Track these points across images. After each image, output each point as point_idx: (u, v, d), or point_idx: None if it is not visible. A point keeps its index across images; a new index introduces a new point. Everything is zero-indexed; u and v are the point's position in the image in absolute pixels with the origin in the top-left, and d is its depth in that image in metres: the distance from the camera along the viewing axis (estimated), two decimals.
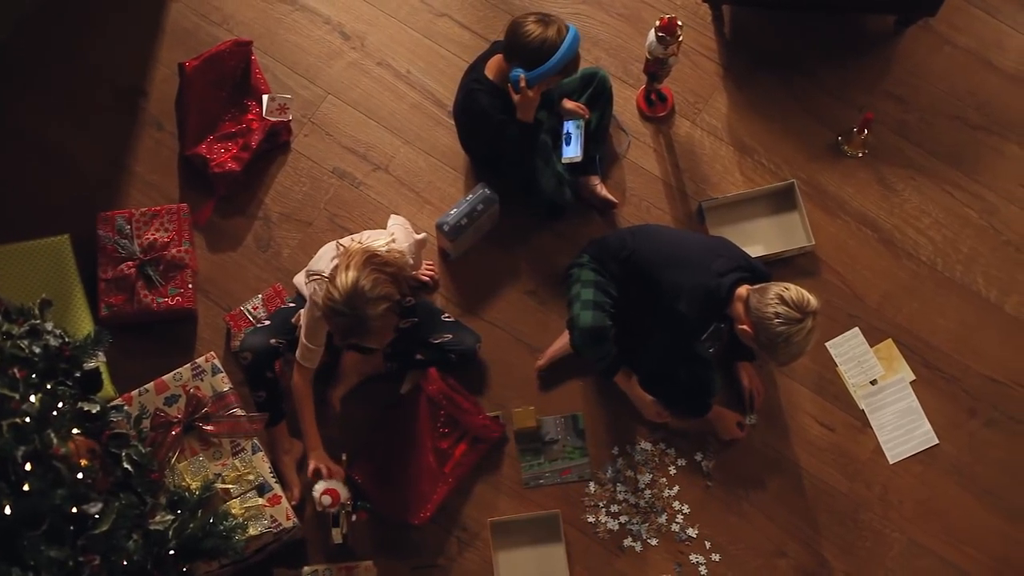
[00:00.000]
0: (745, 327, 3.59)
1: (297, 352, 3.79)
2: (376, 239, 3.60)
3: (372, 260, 3.44)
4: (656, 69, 4.11)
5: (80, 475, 3.18)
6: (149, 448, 3.53)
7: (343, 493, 3.80)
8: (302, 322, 3.74)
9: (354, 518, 3.88)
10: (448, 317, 4.07)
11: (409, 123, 4.34)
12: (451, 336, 4.00)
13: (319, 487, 3.79)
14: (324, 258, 3.67)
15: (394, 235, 3.68)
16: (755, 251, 4.16)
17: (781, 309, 3.49)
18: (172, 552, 3.43)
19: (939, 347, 4.19)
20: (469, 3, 4.45)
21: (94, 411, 3.40)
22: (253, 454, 3.83)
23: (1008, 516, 4.06)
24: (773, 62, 4.44)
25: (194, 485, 3.74)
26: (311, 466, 3.83)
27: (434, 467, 3.97)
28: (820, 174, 4.33)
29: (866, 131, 4.29)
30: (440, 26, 4.43)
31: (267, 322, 3.95)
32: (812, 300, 3.52)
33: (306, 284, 3.68)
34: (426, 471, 3.96)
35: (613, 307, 3.88)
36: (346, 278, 3.38)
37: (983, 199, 4.33)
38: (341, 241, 3.66)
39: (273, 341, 3.87)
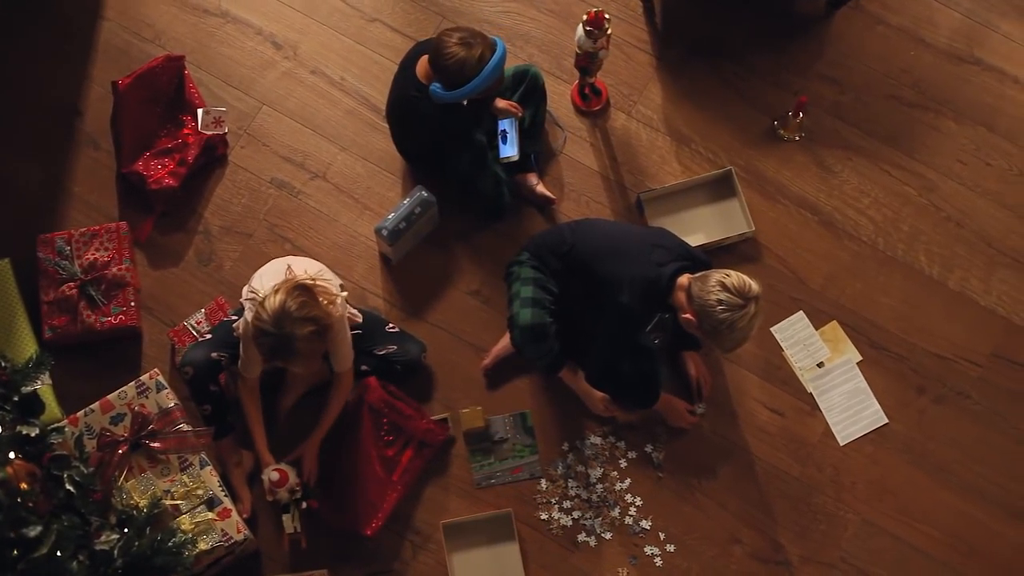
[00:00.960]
0: (689, 316, 3.59)
1: (239, 368, 3.80)
2: (323, 276, 3.72)
3: (303, 286, 3.52)
4: (587, 63, 4.10)
5: (20, 499, 3.19)
6: (92, 468, 3.53)
7: (292, 476, 3.80)
8: (242, 339, 3.73)
9: (304, 506, 3.86)
10: (392, 327, 4.06)
11: (345, 129, 4.33)
12: (396, 347, 4.00)
13: (269, 469, 3.81)
14: (267, 277, 3.70)
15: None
16: (696, 240, 4.17)
17: (723, 296, 3.49)
18: (120, 571, 3.43)
19: (884, 326, 4.20)
20: (400, 6, 4.45)
21: (33, 434, 3.41)
22: (201, 468, 3.83)
23: (961, 492, 4.07)
24: (706, 50, 4.44)
25: (142, 503, 3.73)
26: (266, 474, 3.82)
27: (381, 476, 3.96)
28: (758, 160, 4.33)
29: (801, 114, 4.29)
30: (372, 31, 4.42)
31: (208, 336, 3.94)
32: (754, 285, 3.52)
33: (243, 301, 3.69)
34: (373, 481, 3.95)
35: (553, 303, 3.88)
36: (275, 300, 3.46)
37: (922, 177, 4.34)
38: (292, 265, 3.70)
39: (214, 355, 3.86)
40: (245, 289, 3.86)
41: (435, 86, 3.83)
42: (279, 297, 3.46)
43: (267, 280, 3.68)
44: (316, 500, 3.88)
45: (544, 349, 3.87)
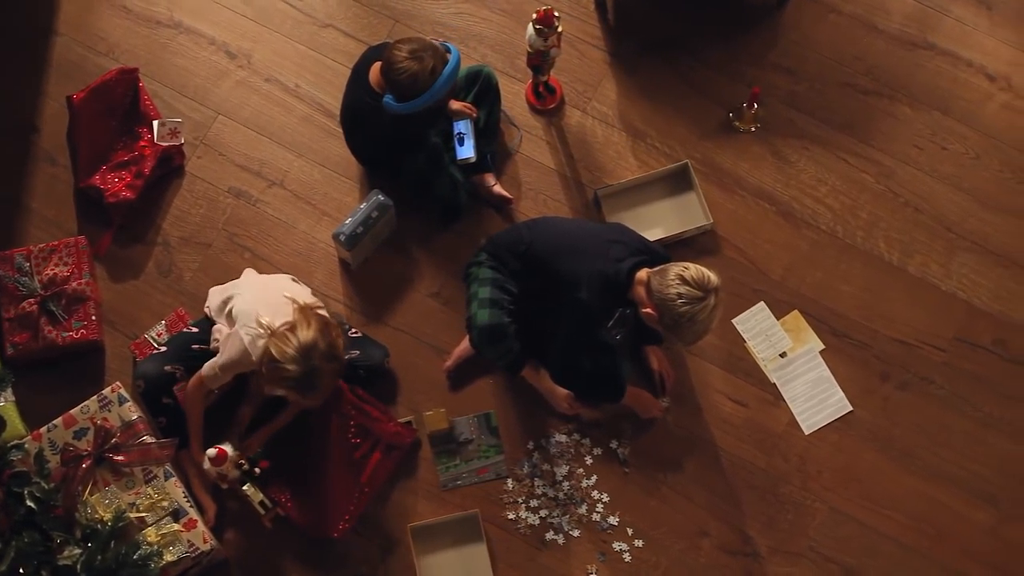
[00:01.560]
0: (649, 310, 3.60)
1: (206, 371, 3.78)
2: (310, 300, 3.80)
3: (327, 321, 3.61)
4: (539, 62, 4.11)
5: None
6: (53, 484, 3.52)
7: (230, 449, 3.81)
8: (224, 353, 3.72)
9: (258, 471, 3.85)
10: (355, 332, 4.06)
11: (301, 136, 4.33)
12: (358, 352, 3.99)
13: (207, 451, 3.83)
14: (263, 306, 3.69)
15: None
16: (654, 234, 4.18)
17: (683, 289, 3.49)
18: None
19: (846, 314, 4.20)
20: (353, 12, 4.45)
21: None
22: (166, 480, 3.83)
23: (927, 476, 4.07)
24: (659, 44, 4.44)
25: (106, 516, 3.73)
26: (205, 458, 3.83)
27: (348, 479, 3.95)
28: (714, 152, 4.34)
29: (756, 105, 4.30)
30: (325, 37, 4.42)
31: (164, 348, 3.94)
32: (713, 277, 3.53)
33: (240, 329, 3.68)
34: (340, 483, 3.94)
35: (512, 303, 3.88)
36: (307, 336, 3.51)
37: (879, 163, 4.34)
38: (286, 294, 3.72)
39: (168, 368, 3.86)
40: (215, 300, 3.86)
41: (388, 98, 3.83)
42: (311, 335, 3.52)
43: (264, 309, 3.68)
44: (266, 460, 3.88)
45: (503, 349, 3.87)
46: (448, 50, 3.83)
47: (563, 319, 3.84)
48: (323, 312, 3.74)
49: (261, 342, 3.59)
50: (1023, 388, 4.15)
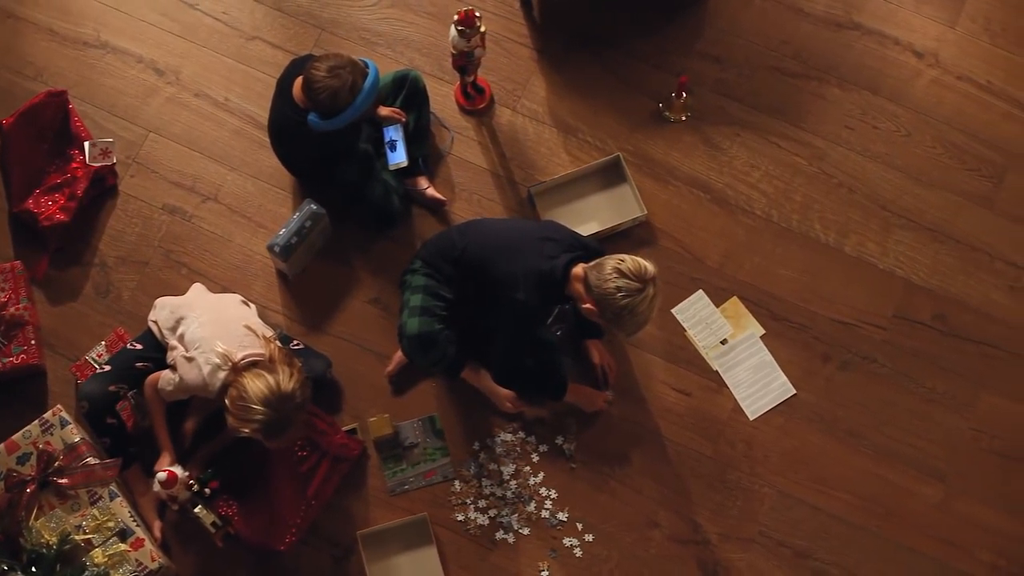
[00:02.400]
0: (588, 305, 3.60)
1: (161, 383, 3.77)
2: (264, 329, 3.80)
3: (298, 365, 3.63)
4: (464, 63, 4.11)
5: None
6: None
7: (180, 472, 3.80)
8: (180, 375, 3.70)
9: (208, 492, 3.85)
10: (297, 344, 4.06)
11: (233, 149, 4.32)
12: (300, 364, 3.99)
13: (156, 474, 3.82)
14: (220, 332, 3.69)
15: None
16: (590, 228, 4.18)
17: (621, 282, 3.50)
18: None
19: (784, 298, 4.21)
20: (279, 23, 4.45)
21: None
22: (111, 500, 3.81)
23: (873, 455, 4.09)
24: (586, 39, 4.45)
25: (52, 540, 3.73)
26: (155, 482, 3.82)
27: (295, 492, 3.94)
28: (646, 143, 4.34)
29: (684, 95, 4.31)
30: (252, 49, 4.42)
31: (107, 367, 3.93)
32: (649, 267, 3.54)
33: (198, 356, 3.66)
34: (287, 497, 3.93)
35: (445, 309, 3.88)
36: (287, 384, 3.53)
37: (811, 145, 4.36)
38: (247, 324, 3.73)
39: (112, 387, 3.84)
40: (161, 316, 3.84)
41: (312, 116, 3.83)
42: (291, 385, 3.53)
43: (223, 337, 3.67)
44: (216, 480, 3.87)
45: (435, 357, 3.87)
46: (366, 64, 3.83)
47: (502, 320, 3.84)
48: (275, 341, 3.74)
49: (221, 374, 3.60)
50: (964, 362, 4.16)
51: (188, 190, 4.29)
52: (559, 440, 4.08)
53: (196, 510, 3.82)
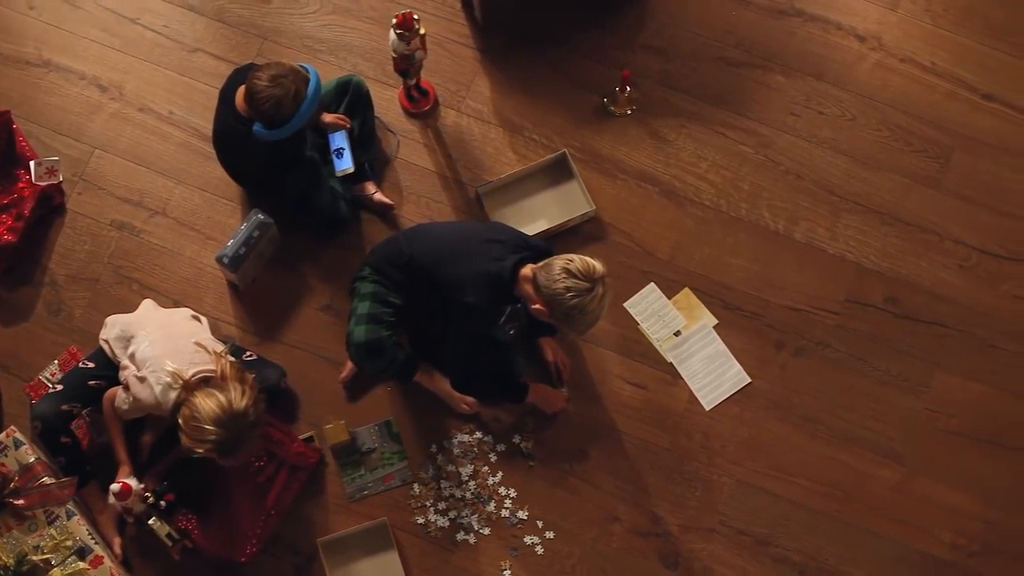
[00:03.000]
0: (538, 306, 3.61)
1: (117, 404, 3.76)
2: (215, 344, 3.78)
3: (249, 380, 3.60)
4: (405, 66, 4.10)
5: None
6: None
7: (135, 484, 3.80)
8: (133, 394, 3.68)
9: (163, 504, 3.85)
10: (250, 355, 4.05)
11: (179, 163, 4.32)
12: (254, 375, 3.98)
13: (112, 486, 3.81)
14: (169, 349, 3.68)
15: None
16: (539, 226, 4.19)
17: (570, 282, 3.51)
18: None
19: (736, 287, 4.22)
20: (220, 33, 4.44)
21: None
22: (68, 519, 3.82)
23: (830, 440, 4.10)
24: (528, 37, 4.45)
25: (9, 562, 3.73)
26: (110, 493, 3.81)
27: (254, 503, 3.94)
28: (592, 139, 4.35)
29: (628, 88, 4.31)
30: (195, 61, 4.41)
31: (59, 387, 3.92)
32: (598, 266, 3.54)
33: (149, 376, 3.65)
34: (245, 508, 3.93)
35: (394, 315, 3.88)
36: (240, 403, 3.51)
37: (757, 134, 4.36)
38: (199, 340, 3.71)
39: (65, 406, 3.83)
40: (111, 334, 3.84)
41: (257, 127, 3.82)
42: (243, 403, 3.51)
43: (173, 356, 3.66)
44: (171, 493, 3.87)
45: (384, 363, 3.87)
46: (307, 70, 3.82)
47: (454, 324, 3.85)
48: (227, 356, 3.73)
49: (173, 393, 3.59)
50: (917, 343, 4.17)
51: (136, 205, 4.28)
52: (516, 439, 4.08)
53: (151, 522, 3.81)
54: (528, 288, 3.64)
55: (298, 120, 3.80)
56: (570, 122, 4.36)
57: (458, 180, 4.30)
